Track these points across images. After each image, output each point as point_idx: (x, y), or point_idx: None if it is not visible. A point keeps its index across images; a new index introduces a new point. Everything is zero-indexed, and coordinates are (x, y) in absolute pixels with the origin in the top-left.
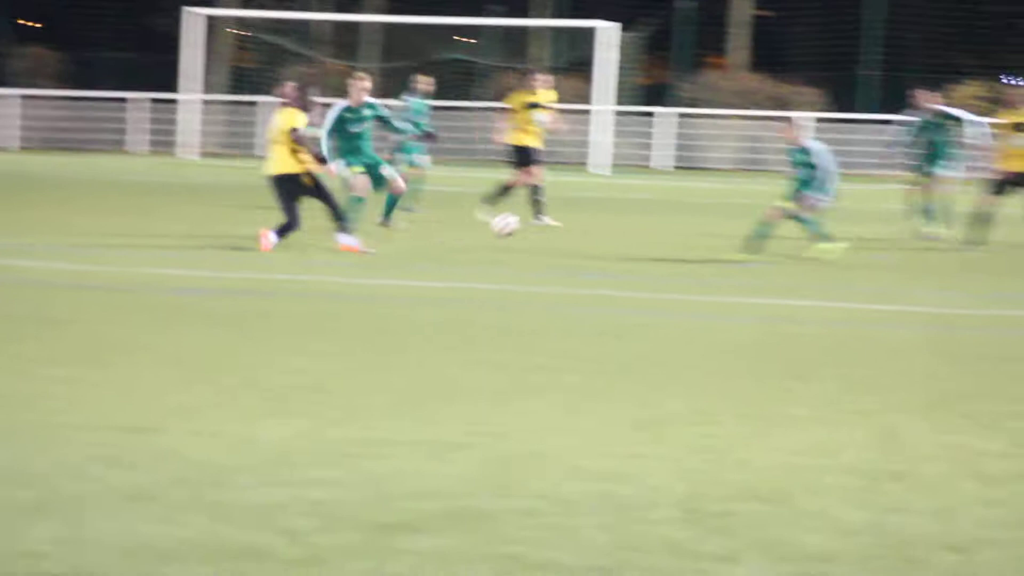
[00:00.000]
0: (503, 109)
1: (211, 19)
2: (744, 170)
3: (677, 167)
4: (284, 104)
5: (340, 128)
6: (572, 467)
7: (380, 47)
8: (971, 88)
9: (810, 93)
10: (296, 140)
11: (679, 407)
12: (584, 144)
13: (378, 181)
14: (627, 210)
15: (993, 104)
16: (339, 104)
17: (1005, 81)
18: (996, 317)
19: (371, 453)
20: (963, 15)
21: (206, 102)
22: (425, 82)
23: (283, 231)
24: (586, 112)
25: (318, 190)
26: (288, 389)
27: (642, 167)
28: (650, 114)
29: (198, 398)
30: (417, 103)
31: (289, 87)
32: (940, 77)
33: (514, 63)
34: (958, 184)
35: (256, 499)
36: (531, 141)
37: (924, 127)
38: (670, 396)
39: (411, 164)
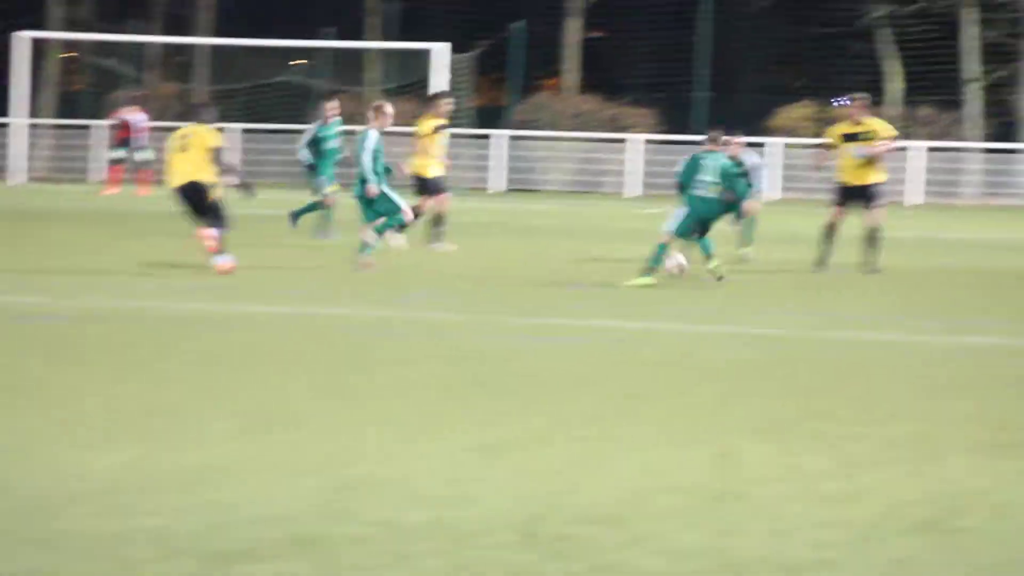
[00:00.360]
0: (414, 136)
1: (40, 42)
2: (579, 192)
3: (511, 190)
4: (201, 120)
5: (377, 155)
6: (409, 493)
7: (211, 69)
8: (802, 110)
9: (644, 114)
10: (219, 160)
11: (515, 431)
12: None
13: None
14: (463, 233)
15: (826, 124)
16: (373, 132)
17: (835, 103)
18: (830, 339)
19: (209, 480)
20: (793, 38)
21: (36, 126)
22: (332, 107)
23: (221, 227)
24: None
25: (215, 206)
26: (124, 415)
27: (476, 189)
28: (484, 136)
29: (31, 427)
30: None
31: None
32: (771, 98)
33: (347, 86)
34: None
35: (90, 529)
36: (435, 169)
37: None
38: (506, 420)
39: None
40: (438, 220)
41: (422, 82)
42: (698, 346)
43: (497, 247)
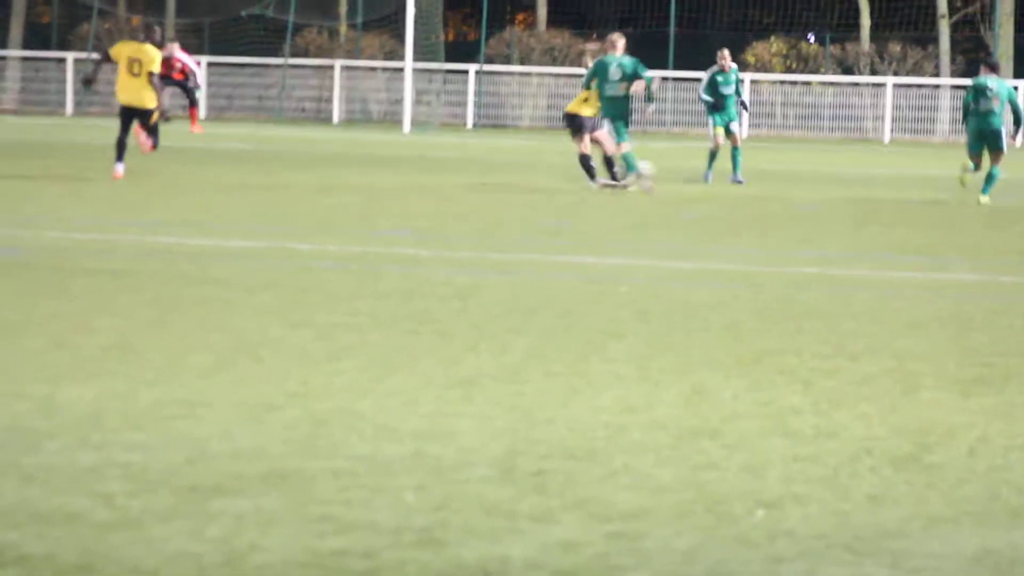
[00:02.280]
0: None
1: None
2: (549, 128)
3: (481, 125)
4: (145, 42)
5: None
6: (385, 427)
7: (182, 2)
8: (774, 45)
9: None
10: (153, 81)
11: (490, 365)
12: (397, 102)
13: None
14: (432, 169)
15: (799, 62)
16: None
17: (809, 39)
18: (798, 275)
19: (184, 414)
20: None
21: (3, 58)
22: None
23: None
24: (399, 70)
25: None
26: (98, 350)
27: (447, 125)
28: (456, 71)
29: (3, 360)
30: None
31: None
32: (741, 34)
33: (320, 20)
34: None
35: (66, 462)
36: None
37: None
38: (481, 355)
39: None
40: None
41: (391, 17)
42: (668, 282)
43: (471, 182)
